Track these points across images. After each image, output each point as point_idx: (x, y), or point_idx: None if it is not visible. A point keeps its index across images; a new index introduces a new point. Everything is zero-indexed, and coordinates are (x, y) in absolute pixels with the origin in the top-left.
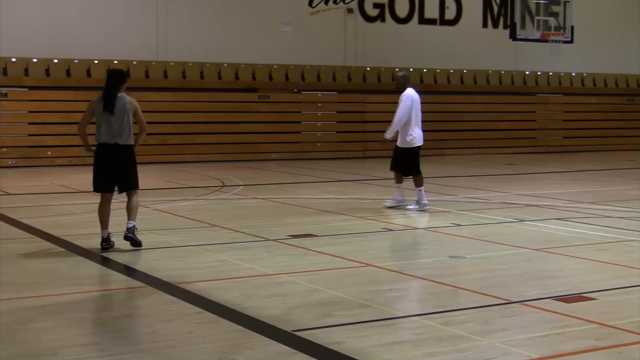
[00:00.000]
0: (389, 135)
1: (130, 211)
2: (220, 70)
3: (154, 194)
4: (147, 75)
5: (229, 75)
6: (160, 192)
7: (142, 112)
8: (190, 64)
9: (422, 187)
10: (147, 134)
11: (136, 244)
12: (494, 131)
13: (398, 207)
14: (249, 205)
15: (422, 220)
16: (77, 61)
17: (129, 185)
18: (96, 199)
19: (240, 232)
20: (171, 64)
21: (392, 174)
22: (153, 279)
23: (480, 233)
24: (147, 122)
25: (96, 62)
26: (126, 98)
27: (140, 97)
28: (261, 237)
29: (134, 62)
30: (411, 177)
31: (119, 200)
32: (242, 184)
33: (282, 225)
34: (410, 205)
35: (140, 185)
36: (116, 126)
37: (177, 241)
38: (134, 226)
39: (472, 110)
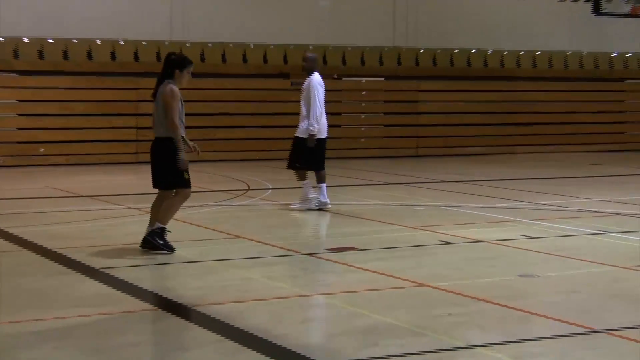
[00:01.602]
0: (315, 129)
1: (155, 213)
2: (246, 53)
3: None
4: (159, 58)
5: (257, 59)
6: None
7: (153, 101)
8: (210, 44)
9: (325, 184)
10: None
11: (153, 247)
12: (574, 125)
13: (325, 208)
14: (279, 212)
15: (487, 232)
16: (76, 41)
17: (156, 183)
18: (97, 205)
19: (269, 244)
20: (188, 44)
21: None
22: (165, 300)
23: (556, 247)
24: None
25: (99, 42)
26: (163, 87)
27: (151, 84)
28: (294, 251)
29: (144, 43)
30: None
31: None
32: (270, 187)
33: (319, 237)
34: (295, 204)
35: (150, 188)
36: (154, 117)
37: (193, 255)
38: (156, 230)
39: (547, 99)
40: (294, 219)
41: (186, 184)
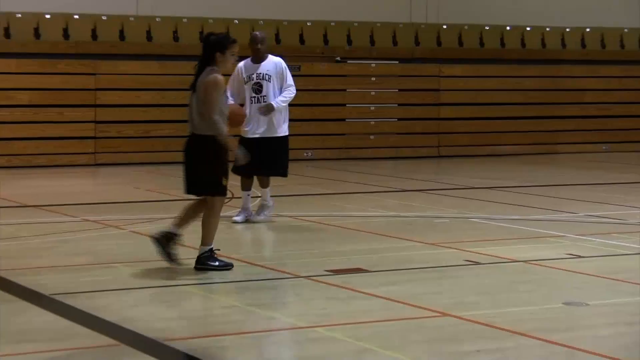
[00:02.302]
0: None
1: (186, 219)
2: (229, 30)
3: (131, 208)
4: (122, 37)
5: (242, 37)
6: (141, 206)
7: (116, 89)
8: (185, 20)
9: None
10: (124, 123)
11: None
12: (632, 118)
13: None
14: (271, 226)
15: (524, 250)
16: (19, 15)
17: (190, 188)
18: (46, 216)
19: (258, 265)
20: (158, 19)
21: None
22: (129, 333)
23: (609, 269)
24: (123, 105)
25: (48, 17)
26: (206, 76)
27: (113, 68)
28: (288, 273)
29: (104, 18)
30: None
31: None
32: (258, 195)
33: (319, 256)
34: (259, 215)
35: (112, 195)
36: (190, 110)
37: (165, 278)
38: (204, 255)
39: (599, 87)
40: (286, 234)
41: (223, 191)
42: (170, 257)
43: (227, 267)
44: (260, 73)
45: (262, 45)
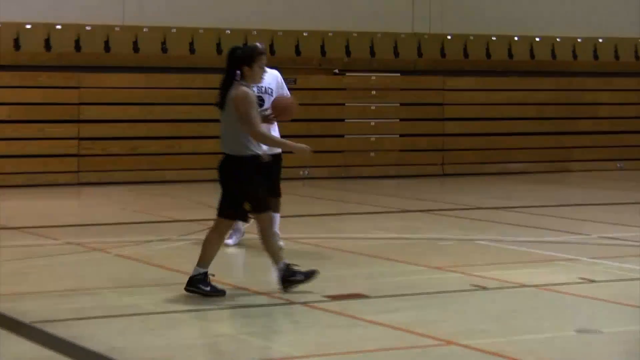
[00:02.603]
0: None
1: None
2: (221, 40)
3: (116, 230)
4: (107, 48)
5: None
6: (126, 228)
7: (101, 104)
8: (174, 30)
9: None
10: (109, 139)
11: (290, 286)
12: None
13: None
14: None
15: (534, 274)
16: None
17: (222, 210)
18: (26, 239)
19: (250, 290)
20: (145, 29)
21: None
22: None
23: (624, 294)
24: (108, 121)
25: (29, 27)
26: (234, 91)
27: (97, 81)
28: (283, 299)
29: (88, 28)
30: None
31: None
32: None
33: (316, 280)
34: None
35: (97, 217)
36: (222, 128)
37: (152, 304)
38: (283, 274)
39: (613, 100)
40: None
41: (267, 205)
42: (307, 275)
43: (218, 293)
44: (262, 87)
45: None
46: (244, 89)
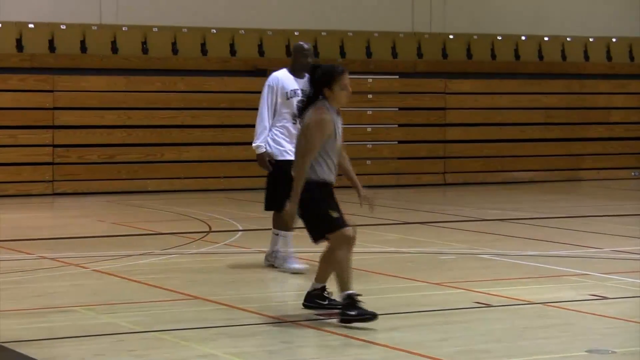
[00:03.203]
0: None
1: (325, 268)
2: (206, 40)
3: (95, 244)
4: (83, 48)
5: (221, 49)
6: (106, 242)
7: (77, 108)
8: (155, 29)
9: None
10: (86, 146)
11: (349, 322)
12: None
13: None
14: (253, 263)
15: (542, 290)
16: None
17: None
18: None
19: (238, 308)
20: (124, 29)
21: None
22: None
23: (638, 311)
24: (84, 127)
25: None
26: (312, 112)
27: (73, 84)
28: (272, 317)
29: (62, 27)
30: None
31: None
32: (241, 228)
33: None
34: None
35: (72, 230)
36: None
37: (132, 323)
38: (345, 302)
39: (627, 105)
40: (270, 272)
41: (339, 224)
42: (366, 315)
43: (368, 315)
44: (304, 90)
45: (311, 59)
46: (323, 115)
